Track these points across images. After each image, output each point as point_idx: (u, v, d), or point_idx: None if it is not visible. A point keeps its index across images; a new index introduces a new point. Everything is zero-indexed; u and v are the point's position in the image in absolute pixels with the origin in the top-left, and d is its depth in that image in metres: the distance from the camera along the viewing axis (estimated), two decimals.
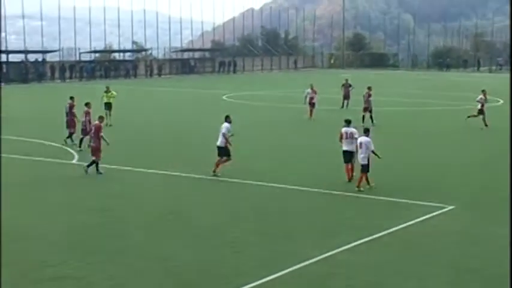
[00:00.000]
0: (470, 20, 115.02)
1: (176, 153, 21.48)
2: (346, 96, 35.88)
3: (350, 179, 16.70)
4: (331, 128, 27.82)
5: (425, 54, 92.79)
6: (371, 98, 29.08)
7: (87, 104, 21.74)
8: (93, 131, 18.42)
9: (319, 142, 24.00)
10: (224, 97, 43.09)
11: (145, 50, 78.10)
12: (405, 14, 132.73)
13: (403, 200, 15.17)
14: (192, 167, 18.84)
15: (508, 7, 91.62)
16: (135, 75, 67.69)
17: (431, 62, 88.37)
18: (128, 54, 76.89)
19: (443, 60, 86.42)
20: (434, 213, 13.98)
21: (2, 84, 52.04)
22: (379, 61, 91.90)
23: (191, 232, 12.67)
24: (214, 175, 17.40)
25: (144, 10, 77.65)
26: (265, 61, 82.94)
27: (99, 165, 17.99)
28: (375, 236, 12.29)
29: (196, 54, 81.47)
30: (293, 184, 16.75)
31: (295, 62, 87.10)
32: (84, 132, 21.49)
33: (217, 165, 17.55)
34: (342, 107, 35.39)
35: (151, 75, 69.23)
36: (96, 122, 18.55)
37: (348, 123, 17.20)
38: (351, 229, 12.88)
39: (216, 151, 17.56)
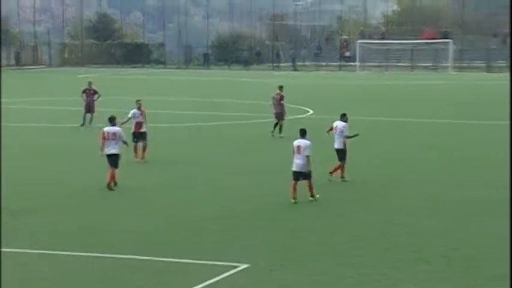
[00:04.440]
0: None
1: None
2: (90, 108, 35.76)
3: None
4: (76, 158, 27.77)
5: (203, 45, 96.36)
6: (283, 101, 32.71)
7: None
8: None
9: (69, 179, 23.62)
10: None
11: None
12: None
13: (181, 260, 15.42)
14: None
15: None
16: None
17: (216, 55, 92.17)
18: None
19: (231, 52, 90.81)
20: (223, 275, 14.41)
21: None
22: (137, 55, 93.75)
23: None
24: (344, 180, 23.06)
25: None
26: None
27: None
28: None
29: None
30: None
31: (7, 57, 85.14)
32: None
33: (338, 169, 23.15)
34: (83, 123, 35.25)
35: None
36: None
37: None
38: None
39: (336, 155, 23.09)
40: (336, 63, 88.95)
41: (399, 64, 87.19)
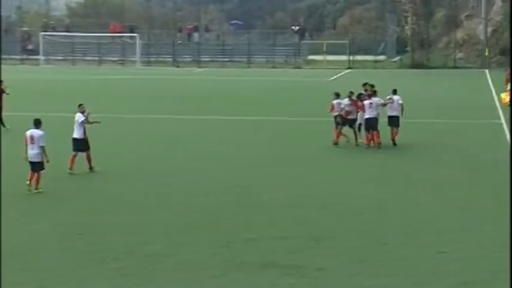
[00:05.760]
0: None
1: None
2: None
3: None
4: None
5: None
6: (5, 93, 33.96)
7: None
8: None
9: None
10: None
11: None
12: None
13: None
14: None
15: None
16: None
17: None
18: None
19: None
20: None
21: None
22: None
23: None
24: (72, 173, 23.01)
25: None
26: None
27: None
28: None
29: None
30: None
31: None
32: None
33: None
34: None
35: None
36: None
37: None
38: None
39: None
40: (18, 57, 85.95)
41: (86, 58, 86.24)
